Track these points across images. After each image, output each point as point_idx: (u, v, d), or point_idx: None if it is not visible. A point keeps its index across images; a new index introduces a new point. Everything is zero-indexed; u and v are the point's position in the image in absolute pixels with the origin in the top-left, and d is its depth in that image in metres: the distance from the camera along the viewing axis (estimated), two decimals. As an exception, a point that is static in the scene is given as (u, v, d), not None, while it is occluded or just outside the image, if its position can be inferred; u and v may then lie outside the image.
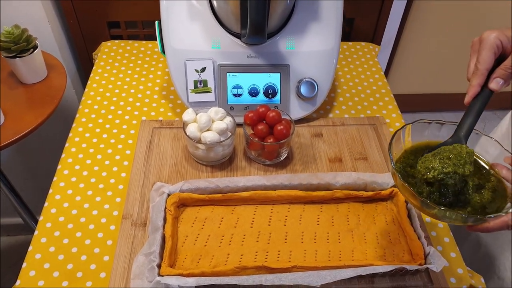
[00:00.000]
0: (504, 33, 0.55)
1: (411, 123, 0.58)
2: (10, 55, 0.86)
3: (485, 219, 0.50)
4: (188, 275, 0.60)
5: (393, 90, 1.03)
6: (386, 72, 1.70)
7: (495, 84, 0.55)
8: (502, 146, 0.56)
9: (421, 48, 1.69)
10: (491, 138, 0.57)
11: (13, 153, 1.30)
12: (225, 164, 0.80)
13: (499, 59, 0.56)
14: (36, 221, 1.23)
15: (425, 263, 0.64)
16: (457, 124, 0.57)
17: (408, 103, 1.63)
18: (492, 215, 0.49)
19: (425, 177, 0.53)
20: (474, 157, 0.57)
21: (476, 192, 0.54)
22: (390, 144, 0.56)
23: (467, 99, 0.56)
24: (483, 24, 1.55)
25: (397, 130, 0.57)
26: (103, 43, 1.08)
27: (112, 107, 0.91)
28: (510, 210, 0.50)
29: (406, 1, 1.38)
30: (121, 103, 0.92)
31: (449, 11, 1.58)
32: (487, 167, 0.57)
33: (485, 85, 0.56)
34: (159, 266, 0.61)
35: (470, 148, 0.54)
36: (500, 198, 0.54)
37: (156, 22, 0.85)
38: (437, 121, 0.59)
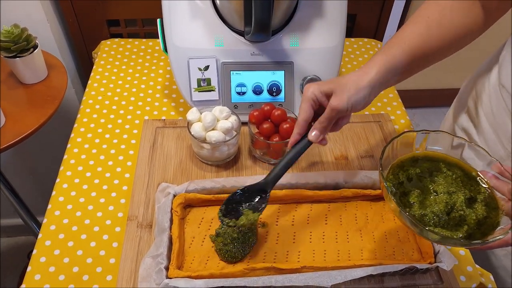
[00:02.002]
0: (320, 88, 0.60)
1: (397, 137, 0.58)
2: (10, 55, 0.85)
3: (487, 242, 0.49)
4: (196, 277, 0.59)
5: (396, 86, 1.02)
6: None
7: (313, 136, 0.61)
8: (489, 154, 0.56)
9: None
10: (478, 146, 0.57)
11: (12, 154, 1.29)
12: (230, 163, 0.79)
13: (321, 111, 0.61)
14: (37, 222, 1.21)
15: (435, 262, 0.64)
16: (442, 131, 0.59)
17: (411, 99, 1.62)
18: (488, 240, 0.49)
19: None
20: (462, 165, 0.58)
21: (469, 208, 0.53)
22: (380, 160, 0.55)
23: (288, 146, 0.63)
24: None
25: (385, 147, 0.56)
26: (102, 41, 1.07)
27: (114, 107, 0.90)
28: (510, 231, 0.49)
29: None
30: (123, 102, 0.91)
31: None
32: (474, 175, 0.57)
33: (305, 135, 0.62)
34: (166, 268, 0.61)
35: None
36: (493, 212, 0.53)
37: (158, 20, 0.84)
38: (424, 131, 0.59)
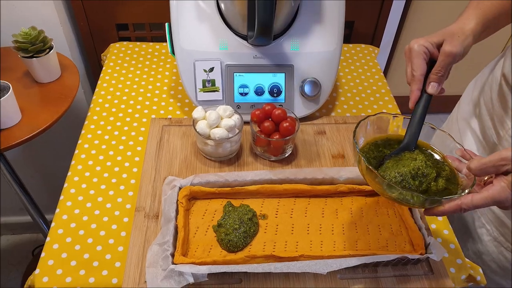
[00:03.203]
0: (428, 40, 0.62)
1: (374, 115, 0.63)
2: (27, 55, 0.90)
3: (441, 201, 0.55)
4: (200, 264, 0.63)
5: (392, 91, 1.07)
6: (385, 74, 1.74)
7: (431, 88, 0.62)
8: (455, 140, 0.62)
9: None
10: (445, 132, 0.63)
11: (21, 151, 1.33)
12: (232, 160, 0.83)
13: (431, 63, 0.63)
14: (44, 219, 1.25)
15: (426, 253, 0.68)
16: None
17: (406, 104, 1.66)
18: (447, 197, 0.54)
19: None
20: (430, 150, 0.63)
21: (433, 181, 0.59)
22: (354, 132, 0.60)
23: (410, 104, 0.63)
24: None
25: (361, 120, 0.61)
26: (112, 44, 1.11)
27: (122, 106, 0.94)
28: (463, 194, 0.54)
29: (404, 3, 1.42)
30: (131, 101, 0.96)
31: (447, 13, 1.62)
32: (440, 158, 0.63)
33: (424, 90, 0.62)
34: (172, 255, 0.64)
35: (421, 160, 0.59)
36: (452, 186, 0.59)
37: (166, 24, 0.88)
38: (395, 115, 0.65)
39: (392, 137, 0.65)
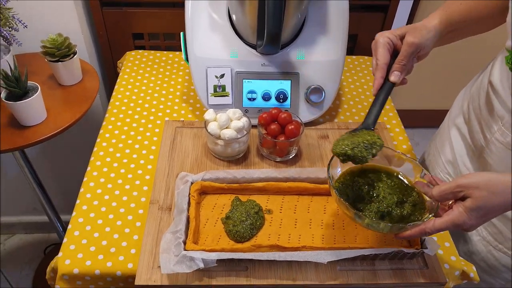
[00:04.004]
0: (392, 33, 0.68)
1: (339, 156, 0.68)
2: (53, 60, 0.97)
3: (406, 227, 0.61)
4: (210, 251, 0.68)
5: (395, 105, 1.12)
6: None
7: (394, 77, 0.68)
8: (423, 169, 0.68)
9: (421, 63, 1.79)
10: (415, 161, 0.70)
11: (38, 151, 1.40)
12: (240, 160, 0.89)
13: (395, 55, 0.68)
14: (59, 219, 1.30)
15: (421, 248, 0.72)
16: (386, 147, 0.69)
17: (410, 118, 1.72)
18: (411, 224, 0.61)
19: (335, 151, 0.65)
20: (400, 176, 0.70)
21: (397, 206, 0.66)
22: (328, 166, 0.66)
23: (373, 91, 0.69)
24: (486, 38, 1.65)
25: (333, 156, 0.67)
26: (128, 52, 1.19)
27: (138, 109, 1.01)
28: (425, 219, 0.61)
29: (407, 18, 1.48)
30: (146, 105, 1.02)
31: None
32: (409, 185, 0.69)
33: (387, 78, 0.68)
34: (184, 242, 0.69)
35: (381, 141, 0.66)
36: (419, 211, 0.66)
37: (182, 33, 0.95)
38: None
39: (367, 167, 0.71)
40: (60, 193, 1.49)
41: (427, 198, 0.66)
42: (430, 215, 0.62)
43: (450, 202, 0.61)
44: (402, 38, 0.68)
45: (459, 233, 0.88)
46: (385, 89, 0.68)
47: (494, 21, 0.75)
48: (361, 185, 0.69)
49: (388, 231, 0.63)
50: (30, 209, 1.63)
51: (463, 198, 0.58)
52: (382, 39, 0.68)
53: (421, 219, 0.63)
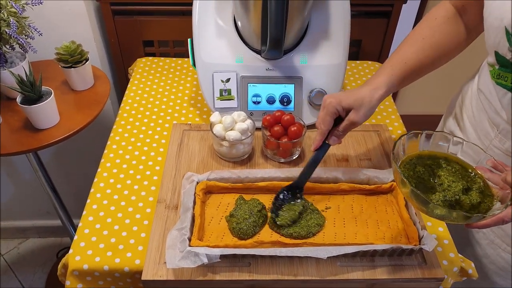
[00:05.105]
0: (341, 104, 0.74)
1: (405, 134, 0.69)
2: (66, 66, 1.02)
3: (485, 216, 0.57)
4: (214, 247, 0.71)
5: (399, 110, 1.14)
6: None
7: (332, 141, 0.77)
8: (484, 150, 0.66)
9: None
10: (474, 144, 0.67)
11: (50, 155, 1.44)
12: (244, 161, 0.92)
13: (338, 119, 0.76)
14: (71, 222, 1.34)
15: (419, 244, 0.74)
16: (443, 132, 0.69)
17: (415, 123, 1.73)
18: (491, 213, 0.58)
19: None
20: (460, 162, 0.67)
21: (465, 194, 0.63)
22: (392, 153, 0.66)
23: (312, 148, 0.78)
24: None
25: (397, 140, 0.67)
26: (138, 59, 1.23)
27: (147, 113, 1.04)
28: (504, 209, 0.58)
29: (413, 23, 1.50)
30: (155, 109, 1.06)
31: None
32: (471, 170, 0.66)
33: (325, 139, 0.77)
34: (189, 239, 0.72)
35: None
36: (487, 198, 0.63)
37: (189, 40, 0.99)
38: (427, 131, 0.70)
39: (423, 154, 0.69)
40: (72, 197, 1.54)
41: (492, 184, 0.63)
42: (510, 203, 0.58)
43: None
44: (347, 110, 0.74)
45: (468, 238, 0.89)
46: (323, 148, 0.78)
47: (458, 51, 0.78)
48: (421, 174, 0.67)
49: (463, 221, 0.59)
50: (43, 213, 1.67)
51: None
52: (331, 108, 0.74)
53: (491, 207, 0.60)
